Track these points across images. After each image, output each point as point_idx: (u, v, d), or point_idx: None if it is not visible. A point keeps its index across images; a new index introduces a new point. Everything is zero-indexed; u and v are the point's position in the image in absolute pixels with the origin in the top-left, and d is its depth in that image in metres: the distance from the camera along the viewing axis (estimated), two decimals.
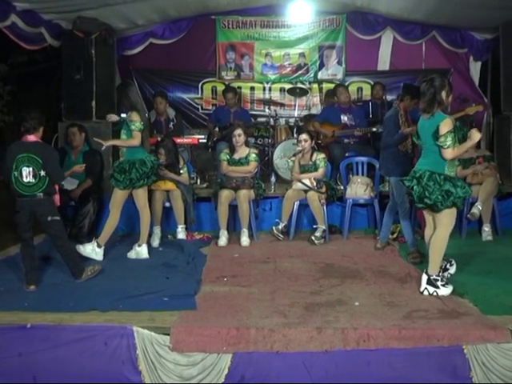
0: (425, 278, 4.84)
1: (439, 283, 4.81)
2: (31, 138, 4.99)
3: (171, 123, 8.51)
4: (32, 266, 5.01)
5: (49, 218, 4.99)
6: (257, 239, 6.96)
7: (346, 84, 9.93)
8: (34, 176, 4.91)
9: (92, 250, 5.87)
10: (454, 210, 4.78)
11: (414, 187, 4.79)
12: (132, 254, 6.06)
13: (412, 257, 5.98)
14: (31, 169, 4.90)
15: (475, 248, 6.39)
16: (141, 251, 6.04)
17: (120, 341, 4.05)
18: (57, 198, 5.17)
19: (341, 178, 7.62)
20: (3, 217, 6.70)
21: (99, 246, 5.92)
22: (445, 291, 4.79)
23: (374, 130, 8.08)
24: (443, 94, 4.73)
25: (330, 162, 7.68)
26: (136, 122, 5.84)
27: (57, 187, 5.17)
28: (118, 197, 5.97)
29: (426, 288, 4.82)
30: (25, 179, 4.90)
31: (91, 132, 7.36)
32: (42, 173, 4.93)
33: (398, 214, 6.15)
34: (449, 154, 4.64)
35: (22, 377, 4.05)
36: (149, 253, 6.08)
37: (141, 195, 6.04)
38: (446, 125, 4.64)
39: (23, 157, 4.91)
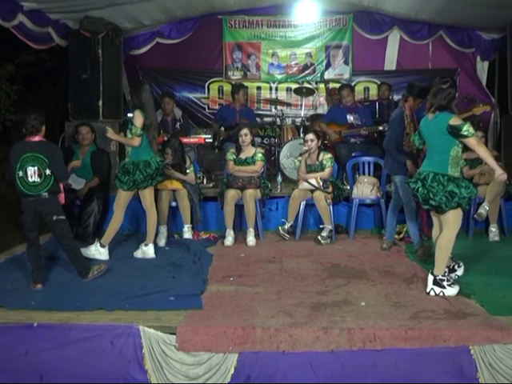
0: (431, 278, 4.83)
1: (445, 283, 4.80)
2: (35, 138, 4.99)
3: (178, 123, 8.52)
4: (38, 265, 5.02)
5: (54, 218, 4.99)
6: (263, 239, 6.96)
7: (353, 84, 9.93)
8: (40, 175, 4.91)
9: (96, 251, 5.88)
10: (459, 211, 4.77)
11: (419, 189, 4.78)
12: (138, 254, 6.07)
13: (417, 254, 6.02)
14: (36, 168, 4.90)
15: (482, 248, 6.38)
16: (147, 251, 6.04)
17: (126, 340, 4.06)
18: (62, 196, 5.17)
19: (347, 178, 7.61)
20: (9, 216, 6.73)
21: (102, 245, 5.92)
22: (451, 291, 4.78)
23: (381, 128, 8.07)
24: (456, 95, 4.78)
25: (337, 161, 7.68)
26: (136, 125, 5.78)
27: (61, 186, 5.18)
28: (122, 198, 5.97)
29: (432, 288, 4.81)
30: (30, 179, 4.90)
31: (98, 132, 7.38)
32: (48, 172, 4.93)
33: (404, 213, 6.15)
34: (473, 141, 4.64)
35: (29, 375, 4.06)
36: (155, 252, 6.09)
37: (147, 195, 6.04)
38: (457, 119, 4.65)
39: (28, 156, 4.91)
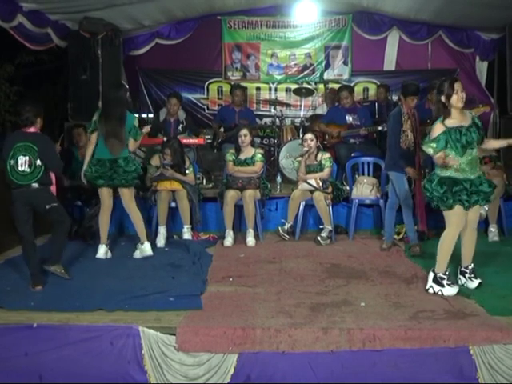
0: (431, 275, 4.86)
1: (445, 282, 4.81)
2: (30, 129, 5.01)
3: (180, 125, 8.49)
4: (35, 266, 4.99)
5: (47, 207, 4.99)
6: (263, 239, 6.95)
7: (352, 84, 9.95)
8: (30, 165, 4.91)
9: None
10: (453, 211, 4.72)
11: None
12: (137, 254, 6.06)
13: (412, 250, 6.09)
14: (27, 158, 4.90)
15: (481, 249, 6.32)
16: (144, 248, 6.02)
17: (126, 341, 4.06)
18: (53, 188, 5.13)
19: (347, 179, 7.61)
20: (8, 217, 6.72)
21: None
22: (450, 291, 4.78)
23: (380, 128, 8.09)
24: (442, 98, 4.75)
25: (336, 162, 7.68)
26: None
27: (53, 178, 5.13)
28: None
29: (431, 286, 4.82)
30: (20, 168, 4.90)
31: None
32: (38, 162, 4.92)
33: (402, 212, 6.20)
34: (434, 159, 4.79)
35: (29, 376, 4.06)
36: (154, 252, 6.08)
37: (123, 195, 5.99)
38: (433, 131, 4.73)
39: (20, 146, 4.92)
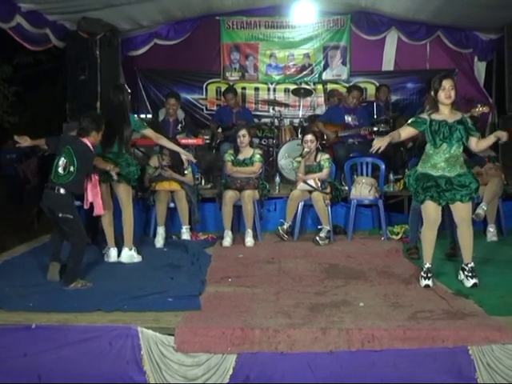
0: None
1: (421, 273, 5.02)
2: (83, 139, 5.09)
3: (179, 125, 8.49)
4: (58, 249, 5.14)
5: (60, 215, 4.96)
6: (261, 240, 6.96)
7: (351, 84, 9.95)
8: (64, 169, 4.97)
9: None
10: (424, 206, 4.92)
11: None
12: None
13: (410, 252, 6.10)
14: (66, 161, 4.97)
15: (480, 249, 6.33)
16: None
17: (125, 341, 4.05)
18: (95, 203, 5.16)
19: (345, 179, 7.61)
20: (7, 218, 6.73)
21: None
22: (421, 283, 5.01)
23: (375, 129, 8.14)
24: (432, 92, 4.91)
25: (335, 162, 7.68)
26: None
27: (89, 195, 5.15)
28: None
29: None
30: (59, 168, 4.98)
31: None
32: (71, 169, 4.95)
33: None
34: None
35: (27, 377, 4.05)
36: (151, 250, 6.06)
37: (118, 191, 5.93)
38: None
39: (68, 148, 5.00)
